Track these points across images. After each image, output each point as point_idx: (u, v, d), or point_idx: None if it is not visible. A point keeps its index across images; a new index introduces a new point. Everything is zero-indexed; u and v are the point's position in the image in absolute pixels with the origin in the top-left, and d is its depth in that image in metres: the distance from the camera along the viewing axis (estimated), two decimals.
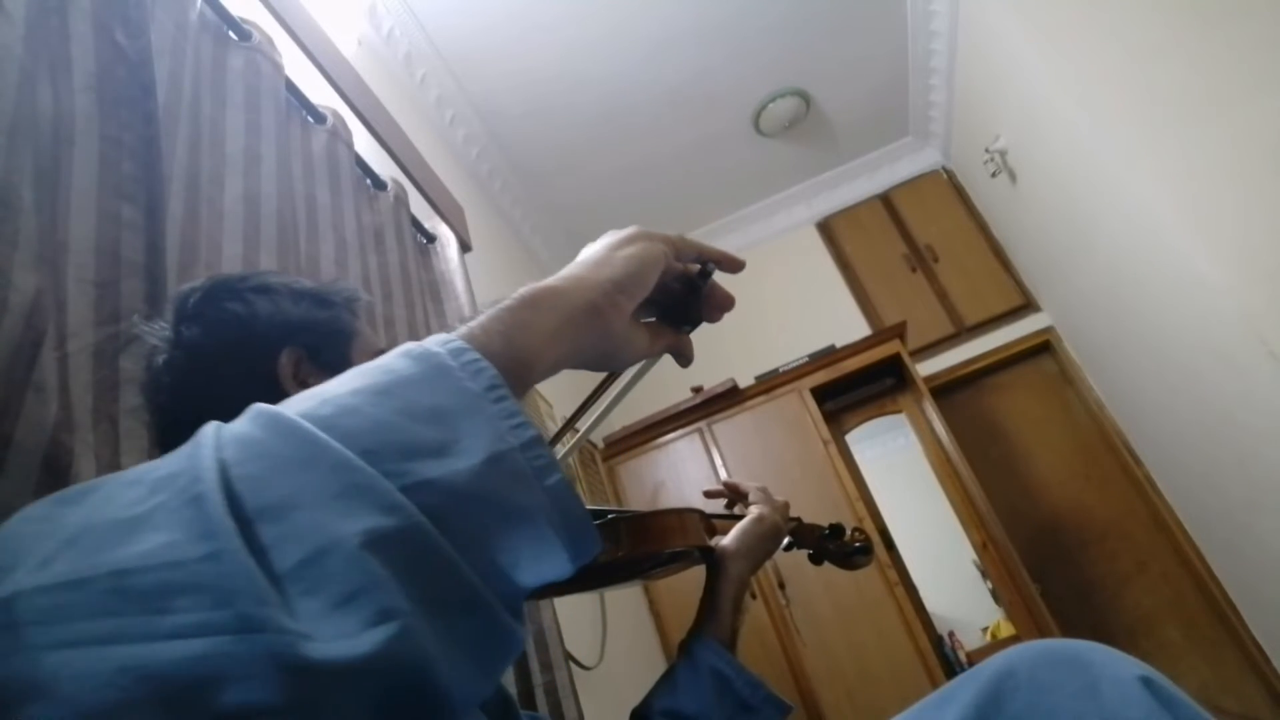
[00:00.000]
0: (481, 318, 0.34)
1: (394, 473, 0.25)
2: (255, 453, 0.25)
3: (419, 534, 0.24)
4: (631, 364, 0.43)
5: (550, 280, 0.37)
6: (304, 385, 0.55)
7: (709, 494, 0.96)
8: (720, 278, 0.45)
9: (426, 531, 0.25)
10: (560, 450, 0.57)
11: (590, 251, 0.40)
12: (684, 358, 0.46)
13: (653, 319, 0.45)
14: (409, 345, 0.31)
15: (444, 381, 0.29)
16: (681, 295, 0.44)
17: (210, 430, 0.26)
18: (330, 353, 0.59)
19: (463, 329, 0.33)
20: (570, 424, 0.55)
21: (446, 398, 0.28)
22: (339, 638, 0.21)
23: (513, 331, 0.33)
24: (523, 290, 0.35)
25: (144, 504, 0.23)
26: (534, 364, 0.33)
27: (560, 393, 2.68)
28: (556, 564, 0.30)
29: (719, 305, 0.46)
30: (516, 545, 0.28)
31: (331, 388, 0.28)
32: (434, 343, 0.30)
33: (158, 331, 0.58)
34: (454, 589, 0.25)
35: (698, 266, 0.44)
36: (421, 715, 0.23)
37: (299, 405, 0.27)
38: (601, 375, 0.47)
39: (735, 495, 0.93)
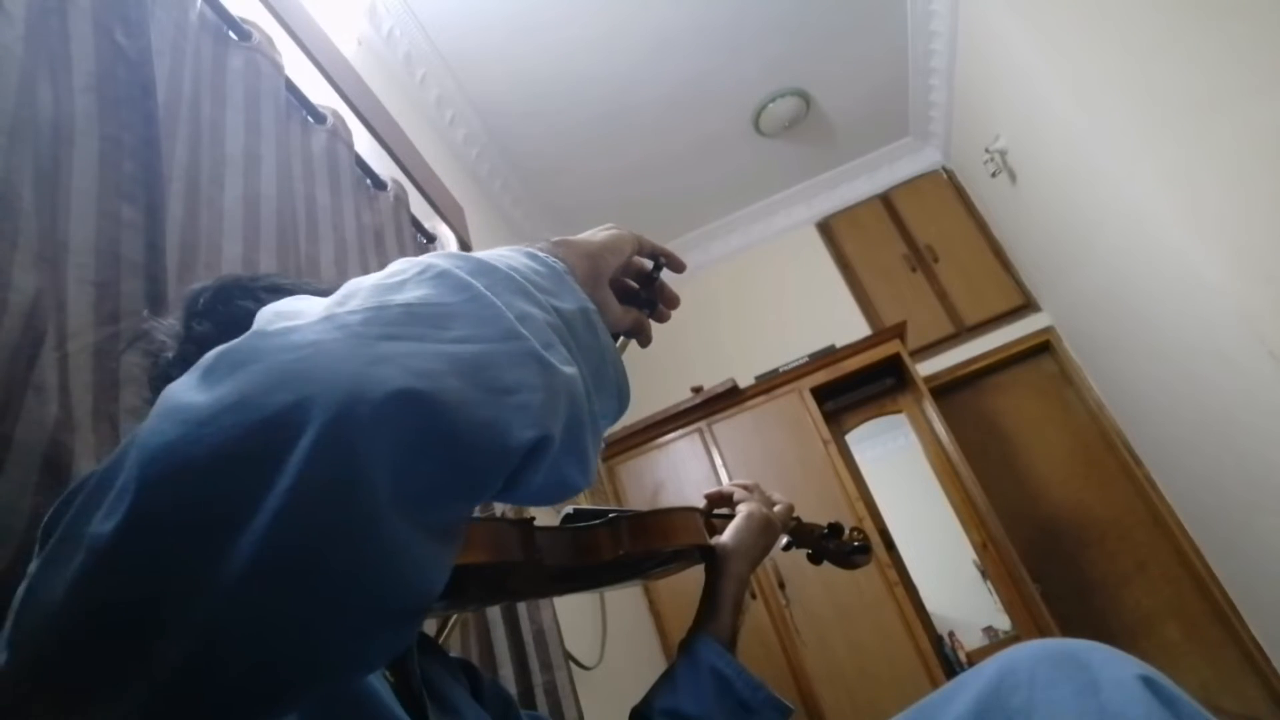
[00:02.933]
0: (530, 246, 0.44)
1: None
2: (452, 264, 0.33)
3: (562, 328, 0.35)
4: (610, 328, 0.50)
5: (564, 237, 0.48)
6: None
7: (706, 510, 0.95)
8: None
9: (566, 332, 0.35)
10: None
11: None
12: (645, 336, 0.55)
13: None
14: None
15: (538, 259, 0.39)
16: (638, 289, 0.56)
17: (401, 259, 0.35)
18: None
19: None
20: None
21: (544, 267, 0.39)
22: (556, 363, 0.32)
23: (555, 250, 0.43)
24: (552, 237, 0.46)
25: (394, 279, 0.31)
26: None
27: None
28: (608, 402, 0.40)
29: (667, 301, 0.57)
30: (593, 375, 0.37)
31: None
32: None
33: (166, 328, 0.58)
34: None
35: (650, 263, 0.55)
36: (581, 449, 0.34)
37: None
38: None
39: (721, 503, 0.92)
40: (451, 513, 0.27)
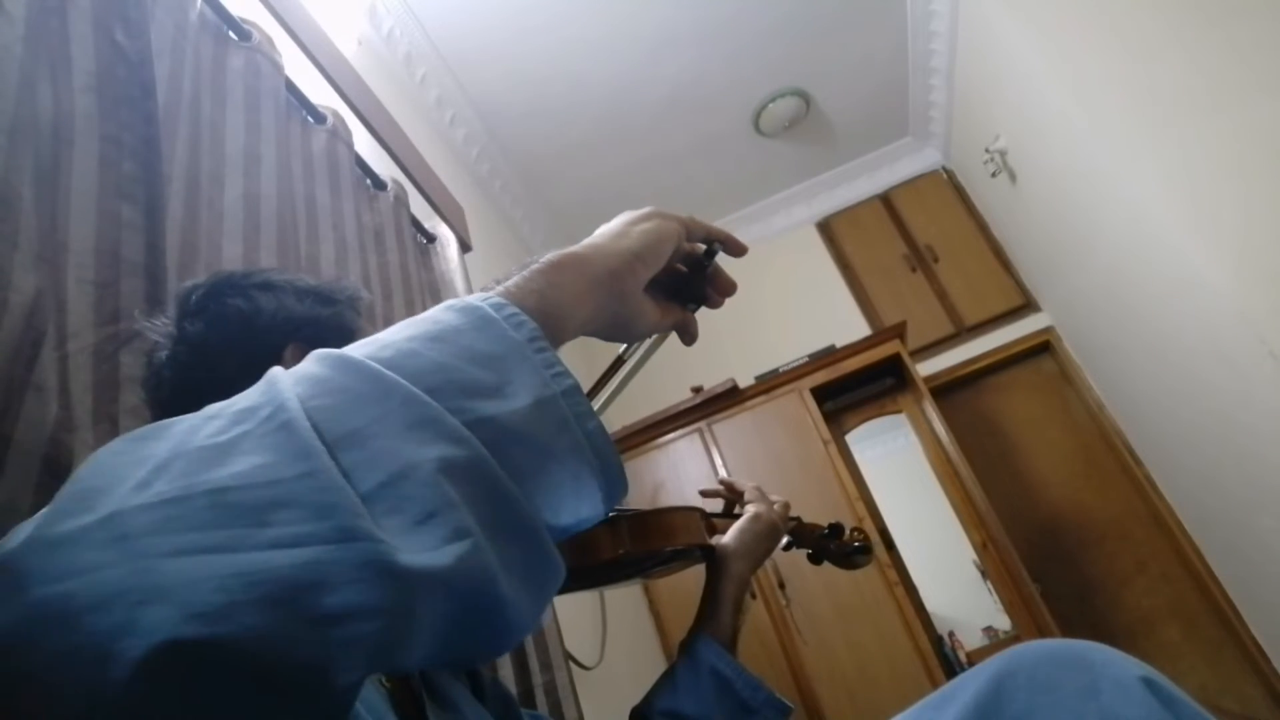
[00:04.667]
0: (515, 278, 0.35)
1: (456, 409, 0.27)
2: (329, 388, 0.26)
3: (484, 464, 0.27)
4: (642, 336, 0.45)
5: (575, 248, 0.39)
6: None
7: (705, 493, 0.96)
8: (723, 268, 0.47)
9: (489, 463, 0.27)
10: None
11: (609, 226, 0.42)
12: (689, 335, 0.49)
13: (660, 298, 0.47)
14: (451, 300, 0.32)
15: (491, 330, 0.31)
16: (688, 275, 0.47)
17: (279, 370, 0.28)
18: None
19: (498, 288, 0.35)
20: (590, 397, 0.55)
21: (494, 345, 0.30)
22: (423, 550, 0.23)
23: (546, 290, 0.35)
24: (550, 255, 0.37)
25: (228, 433, 0.24)
26: (564, 322, 0.35)
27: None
28: (592, 504, 0.32)
29: (722, 289, 0.49)
30: (560, 483, 0.30)
31: (387, 335, 0.30)
32: (476, 298, 0.32)
33: (159, 327, 0.58)
34: (512, 518, 0.27)
35: (704, 247, 0.47)
36: (487, 630, 0.26)
37: (360, 350, 0.29)
38: (614, 354, 0.49)
39: (732, 494, 0.92)
40: None
